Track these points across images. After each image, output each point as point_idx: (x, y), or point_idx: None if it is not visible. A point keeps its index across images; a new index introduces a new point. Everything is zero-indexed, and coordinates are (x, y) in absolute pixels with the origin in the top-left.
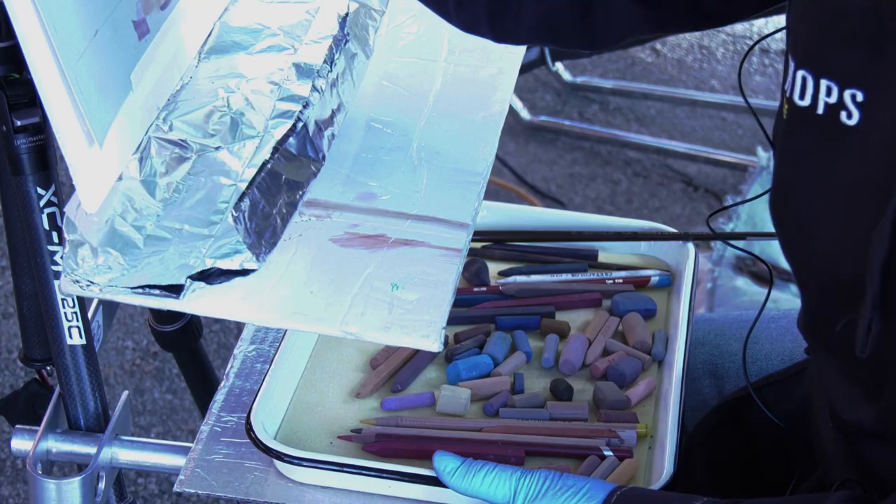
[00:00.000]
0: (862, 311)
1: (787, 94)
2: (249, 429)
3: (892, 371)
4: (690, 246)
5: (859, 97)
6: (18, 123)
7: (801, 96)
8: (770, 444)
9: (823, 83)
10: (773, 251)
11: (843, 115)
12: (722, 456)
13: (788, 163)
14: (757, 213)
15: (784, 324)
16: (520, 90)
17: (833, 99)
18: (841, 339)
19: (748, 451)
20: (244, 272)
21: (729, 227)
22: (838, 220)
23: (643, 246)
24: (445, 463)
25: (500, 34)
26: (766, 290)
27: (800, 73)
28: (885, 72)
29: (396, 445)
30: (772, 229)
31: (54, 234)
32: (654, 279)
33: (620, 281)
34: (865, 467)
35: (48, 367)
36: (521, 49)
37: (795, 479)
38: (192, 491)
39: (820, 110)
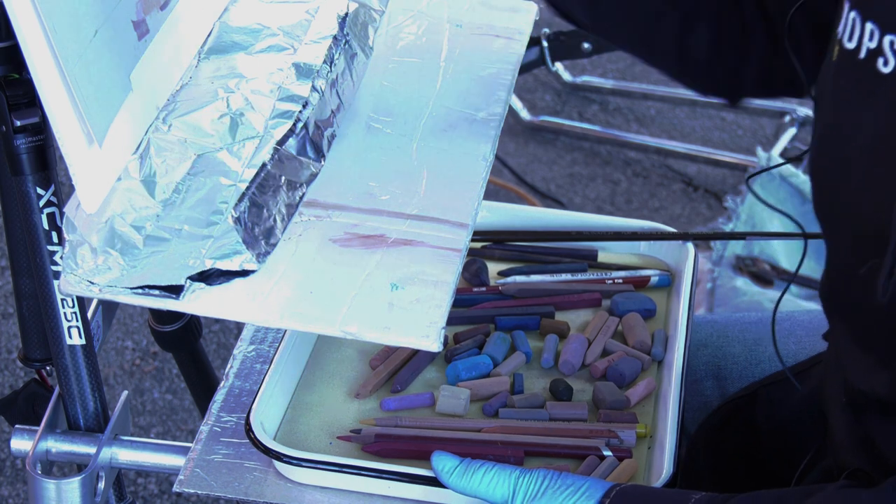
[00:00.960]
0: (886, 257)
1: (839, 37)
2: (249, 429)
3: None
4: (690, 246)
5: None
6: (18, 123)
7: (850, 38)
8: (775, 441)
9: (868, 26)
10: (773, 251)
11: (880, 61)
12: (726, 454)
13: (830, 107)
14: (756, 214)
15: (787, 326)
16: (519, 90)
17: (874, 44)
18: (863, 288)
19: (753, 448)
20: (244, 273)
21: (729, 227)
22: (869, 169)
23: (643, 246)
24: (444, 463)
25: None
26: (765, 290)
27: (851, 14)
28: None
29: (396, 446)
30: (771, 230)
31: (54, 235)
32: (654, 279)
33: (620, 281)
34: (875, 452)
35: (48, 367)
36: (521, 49)
37: (799, 473)
38: (192, 491)
39: (862, 55)
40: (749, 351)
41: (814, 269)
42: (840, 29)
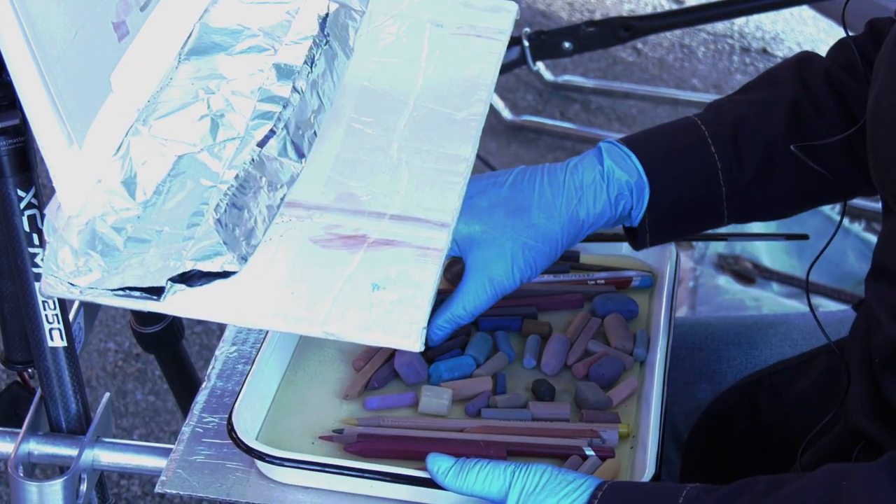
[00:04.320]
0: None
1: None
2: (231, 429)
3: None
4: (671, 246)
5: None
6: None
7: None
8: (777, 429)
9: None
10: (755, 249)
11: None
12: (726, 445)
13: (887, 72)
14: None
15: (783, 330)
16: (501, 90)
17: None
18: None
19: (754, 437)
20: (225, 274)
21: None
22: None
23: (625, 247)
24: (439, 463)
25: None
26: (747, 288)
27: None
28: None
29: (378, 446)
30: (754, 231)
31: (35, 237)
32: (636, 280)
33: (602, 282)
34: (889, 416)
35: (29, 370)
36: (502, 49)
37: (805, 444)
38: (175, 492)
39: None
40: (745, 354)
41: (795, 266)
42: None
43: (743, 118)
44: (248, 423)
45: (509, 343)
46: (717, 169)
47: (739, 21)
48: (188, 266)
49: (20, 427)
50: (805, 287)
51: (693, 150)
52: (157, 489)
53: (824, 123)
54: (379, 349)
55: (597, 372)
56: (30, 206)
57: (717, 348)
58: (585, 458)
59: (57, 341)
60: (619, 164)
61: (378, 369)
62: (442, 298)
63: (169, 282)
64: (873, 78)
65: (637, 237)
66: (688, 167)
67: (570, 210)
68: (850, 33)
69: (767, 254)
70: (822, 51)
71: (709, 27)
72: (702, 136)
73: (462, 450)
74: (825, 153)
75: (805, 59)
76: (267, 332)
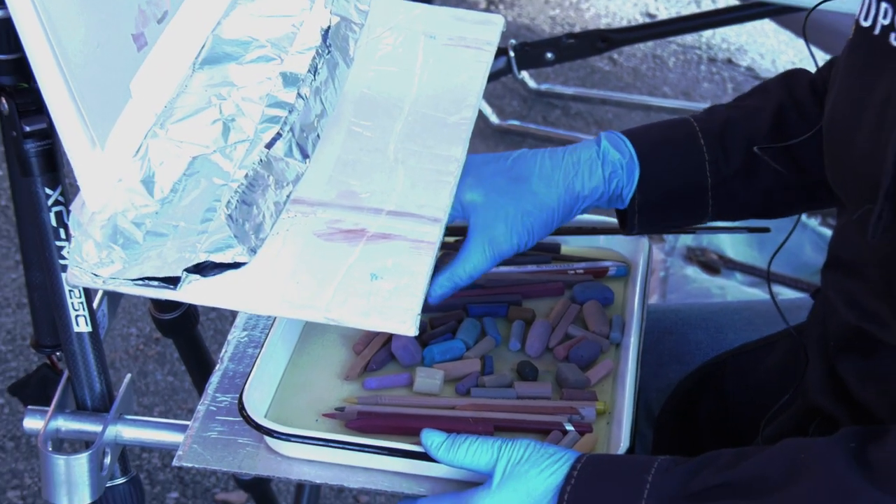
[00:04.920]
0: (876, 203)
1: (857, 17)
2: (242, 408)
3: None
4: (644, 239)
5: None
6: (27, 129)
7: (866, 17)
8: (742, 406)
9: (883, 5)
10: (720, 242)
11: (892, 36)
12: (695, 420)
13: (843, 77)
14: None
15: (747, 315)
16: (489, 96)
17: (887, 20)
18: (857, 229)
19: (720, 414)
20: (236, 265)
21: None
22: (873, 129)
23: (601, 239)
24: (432, 438)
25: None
26: (713, 278)
27: None
28: None
29: (376, 422)
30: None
31: (61, 231)
32: (612, 270)
33: (581, 272)
34: (846, 393)
35: (57, 353)
36: (489, 59)
37: (767, 418)
38: (190, 465)
39: (876, 31)
40: (712, 338)
41: (756, 258)
42: (859, 10)
43: (732, 119)
44: (258, 402)
45: (496, 328)
46: (703, 160)
47: (707, 33)
48: (202, 257)
49: (49, 406)
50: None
51: (683, 141)
52: (175, 462)
53: (807, 128)
54: (377, 334)
55: (576, 354)
56: (56, 203)
57: (686, 332)
58: (566, 433)
59: (82, 327)
60: (614, 146)
61: (376, 352)
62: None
63: (184, 272)
64: (830, 85)
65: (627, 221)
66: (677, 154)
67: (568, 182)
68: (811, 45)
69: (731, 246)
70: (783, 60)
71: (678, 39)
72: (693, 131)
73: (453, 426)
74: (802, 158)
75: (793, 73)
76: (274, 318)
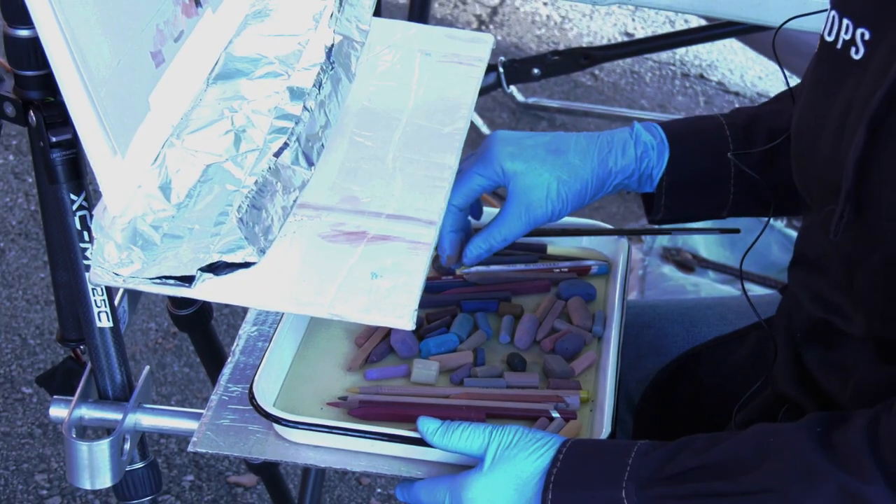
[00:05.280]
0: (838, 204)
1: (822, 33)
2: (252, 397)
3: (858, 265)
4: (624, 240)
5: (867, 36)
6: (54, 140)
7: (829, 33)
8: (716, 394)
9: (845, 21)
10: (694, 243)
11: (853, 50)
12: (673, 409)
13: (810, 88)
14: None
15: (719, 310)
16: (480, 109)
17: (848, 36)
18: (821, 229)
19: (697, 401)
20: (246, 265)
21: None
22: (834, 136)
23: (585, 240)
24: (427, 425)
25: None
26: (688, 276)
27: (832, 13)
28: (889, 15)
29: (377, 410)
30: (694, 226)
31: (85, 234)
32: (594, 268)
33: (566, 270)
34: (811, 382)
35: (81, 346)
36: (480, 74)
37: (738, 406)
38: (204, 451)
39: (839, 46)
40: (687, 331)
41: (728, 257)
42: (823, 26)
43: (756, 116)
44: (267, 391)
45: (487, 322)
46: (728, 149)
47: (680, 51)
48: (215, 258)
49: (73, 395)
50: (737, 274)
51: (710, 131)
52: (190, 448)
53: None
54: (377, 328)
55: (561, 346)
56: (81, 207)
57: (663, 326)
58: (552, 419)
59: (104, 322)
60: (647, 130)
61: (377, 345)
62: (430, 285)
63: (199, 271)
64: (797, 96)
65: (653, 205)
66: (704, 142)
67: (602, 156)
68: (780, 64)
69: (704, 246)
70: (750, 75)
71: (654, 56)
72: (720, 123)
73: (447, 413)
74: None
75: None
76: (282, 314)
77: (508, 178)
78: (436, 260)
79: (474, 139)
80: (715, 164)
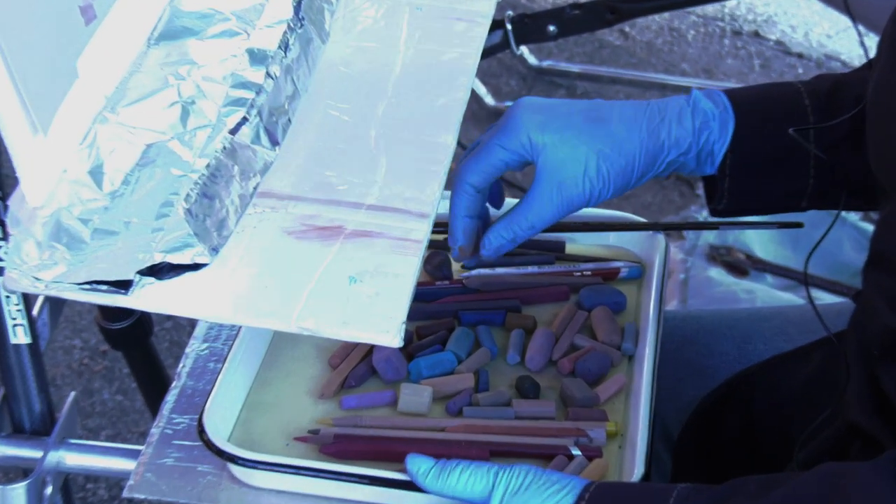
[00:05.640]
0: None
1: None
2: (202, 431)
3: None
4: (661, 236)
5: None
6: None
7: None
8: (771, 423)
9: None
10: (748, 240)
11: None
12: (718, 443)
13: (889, 49)
14: None
15: (778, 323)
16: (483, 74)
17: None
18: None
19: (747, 434)
20: (195, 266)
21: (701, 216)
22: None
23: (612, 237)
24: (418, 464)
25: None
26: (740, 280)
27: None
28: None
29: (355, 447)
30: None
31: None
32: (624, 271)
33: (588, 273)
34: (888, 412)
35: None
36: (483, 32)
37: (802, 439)
38: (143, 496)
39: None
40: (738, 348)
41: (789, 257)
42: None
43: (843, 84)
44: (220, 423)
45: (492, 338)
46: (807, 121)
47: (730, 3)
48: (157, 258)
49: None
50: (800, 278)
51: (785, 99)
52: (125, 493)
53: None
54: (356, 345)
55: (583, 367)
56: None
57: (709, 342)
58: (572, 457)
59: (20, 338)
60: (707, 97)
61: (355, 367)
62: (421, 291)
63: (137, 275)
64: (875, 60)
65: (715, 191)
66: (777, 110)
67: (652, 127)
68: (853, 18)
69: (760, 244)
70: (816, 33)
71: (699, 10)
72: (796, 90)
73: (443, 450)
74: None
75: None
76: (239, 327)
77: (537, 152)
78: (428, 261)
79: (476, 112)
80: (790, 141)
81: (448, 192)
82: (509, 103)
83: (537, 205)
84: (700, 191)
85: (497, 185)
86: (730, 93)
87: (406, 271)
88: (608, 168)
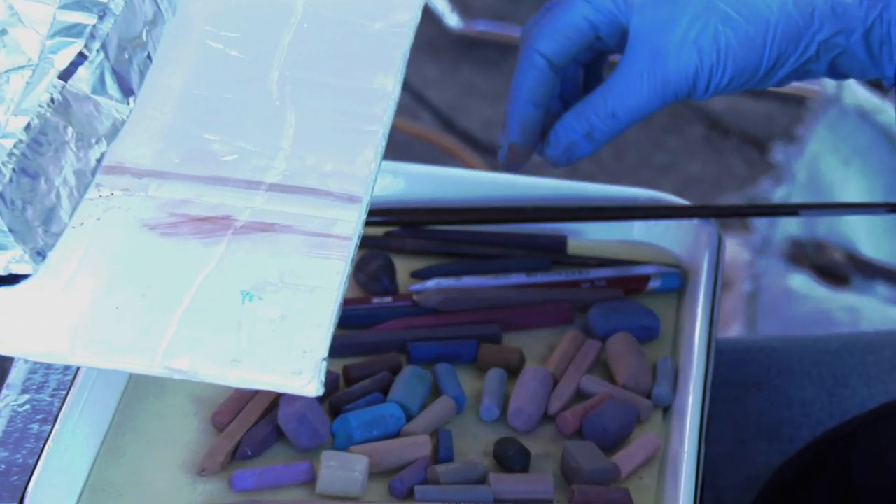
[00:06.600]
0: None
1: None
2: None
3: None
4: (714, 227)
5: None
6: None
7: None
8: (878, 501)
9: None
10: (849, 231)
11: None
12: None
13: None
14: (822, 173)
15: (889, 355)
16: None
17: None
18: None
19: None
20: (11, 279)
21: (778, 196)
22: None
23: (637, 227)
24: None
25: None
26: (838, 293)
27: None
28: None
29: None
30: (844, 199)
31: None
32: (655, 280)
33: (602, 283)
34: None
35: None
36: None
37: None
38: None
39: None
40: (829, 394)
41: None
42: None
43: None
44: None
45: (458, 382)
46: None
47: None
48: None
49: None
50: None
51: None
52: None
53: None
54: (253, 395)
55: (595, 425)
56: None
57: (787, 386)
58: None
59: None
60: None
61: (252, 427)
62: (351, 313)
63: None
64: None
65: None
66: None
67: None
68: None
69: (869, 238)
70: None
71: None
72: None
73: None
74: None
75: None
76: (76, 369)
77: (632, 10)
78: (361, 267)
79: (432, 40)
80: None
81: (389, 164)
82: (484, 27)
83: (622, 82)
84: (777, 155)
85: (576, 71)
86: None
87: (328, 283)
88: (727, 35)
